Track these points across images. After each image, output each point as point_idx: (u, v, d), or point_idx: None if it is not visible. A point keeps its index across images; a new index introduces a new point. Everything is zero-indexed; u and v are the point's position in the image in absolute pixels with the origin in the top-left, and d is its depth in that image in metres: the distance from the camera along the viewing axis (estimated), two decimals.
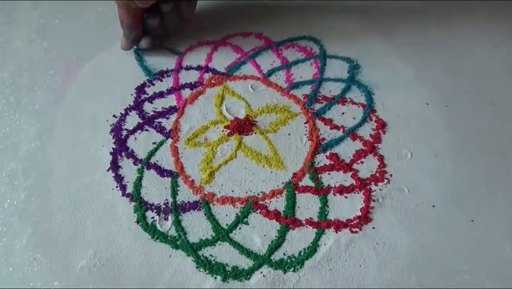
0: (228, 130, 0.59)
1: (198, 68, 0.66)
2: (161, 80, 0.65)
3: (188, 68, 0.66)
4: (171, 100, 0.63)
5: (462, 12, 0.73)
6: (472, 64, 0.66)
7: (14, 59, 0.69)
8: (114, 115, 0.61)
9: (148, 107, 0.62)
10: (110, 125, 0.60)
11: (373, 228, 0.51)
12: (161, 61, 0.67)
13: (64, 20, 0.74)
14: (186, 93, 0.63)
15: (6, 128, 0.60)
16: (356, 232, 0.51)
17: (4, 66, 0.68)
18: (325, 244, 0.50)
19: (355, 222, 0.51)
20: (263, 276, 0.48)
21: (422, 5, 0.74)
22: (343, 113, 0.61)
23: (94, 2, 0.72)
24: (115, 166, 0.56)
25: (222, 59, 0.67)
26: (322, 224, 0.51)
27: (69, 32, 0.72)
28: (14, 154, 0.58)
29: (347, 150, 0.57)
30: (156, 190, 0.54)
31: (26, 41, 0.71)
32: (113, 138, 0.59)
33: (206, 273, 0.48)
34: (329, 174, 0.55)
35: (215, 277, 0.48)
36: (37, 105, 0.63)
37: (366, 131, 0.59)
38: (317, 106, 0.61)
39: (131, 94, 0.63)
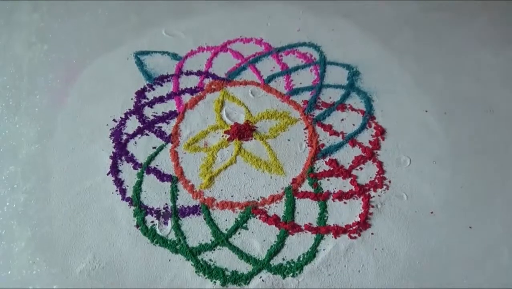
0: (228, 136, 0.59)
1: (199, 73, 0.66)
2: (161, 85, 0.65)
3: (189, 73, 0.66)
4: (171, 105, 0.63)
5: (461, 20, 0.73)
6: (471, 72, 0.66)
7: (14, 62, 0.68)
8: (114, 120, 0.61)
9: (148, 112, 0.62)
10: (110, 129, 0.60)
11: (372, 233, 0.51)
12: (162, 66, 0.67)
13: (64, 24, 0.74)
14: (186, 98, 0.63)
15: (6, 132, 0.60)
16: (355, 237, 0.51)
17: (4, 70, 0.68)
18: (324, 250, 0.50)
19: (354, 227, 0.51)
20: (262, 280, 0.48)
21: (422, 13, 0.74)
22: (342, 119, 0.61)
23: (94, 5, 0.72)
24: (115, 170, 0.56)
25: (222, 65, 0.67)
26: (321, 229, 0.51)
27: (69, 35, 0.72)
28: (14, 157, 0.58)
29: (346, 156, 0.57)
30: (156, 194, 0.55)
31: (26, 44, 0.71)
32: (113, 142, 0.59)
33: (206, 278, 0.48)
34: (328, 179, 0.55)
35: (214, 282, 0.48)
36: (37, 108, 0.63)
37: (366, 137, 0.59)
38: (317, 112, 0.61)
39: (131, 99, 0.63)
